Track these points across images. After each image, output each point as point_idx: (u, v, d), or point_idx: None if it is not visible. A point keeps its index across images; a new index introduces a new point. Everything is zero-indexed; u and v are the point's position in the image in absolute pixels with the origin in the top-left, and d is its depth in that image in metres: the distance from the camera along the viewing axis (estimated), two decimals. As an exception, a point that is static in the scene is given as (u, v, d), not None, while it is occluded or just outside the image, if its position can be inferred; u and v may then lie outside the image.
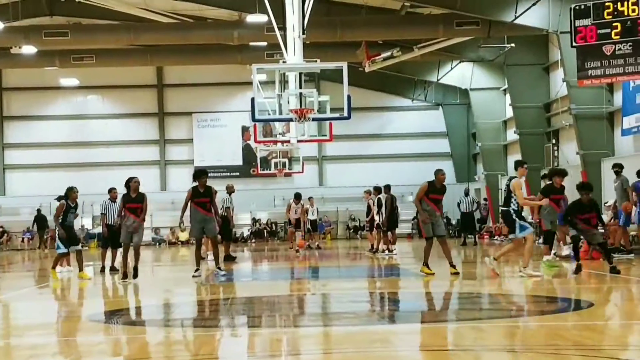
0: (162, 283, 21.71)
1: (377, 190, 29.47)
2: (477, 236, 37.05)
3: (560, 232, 24.67)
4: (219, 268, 21.75)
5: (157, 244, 46.15)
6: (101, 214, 24.61)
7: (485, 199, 44.26)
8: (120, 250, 25.52)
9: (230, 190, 28.84)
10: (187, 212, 21.31)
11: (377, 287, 19.04)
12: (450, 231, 46.39)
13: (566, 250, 24.46)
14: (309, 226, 34.03)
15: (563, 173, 22.17)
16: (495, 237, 39.49)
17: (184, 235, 46.64)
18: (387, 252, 28.62)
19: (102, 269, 24.01)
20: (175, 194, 46.61)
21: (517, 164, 19.19)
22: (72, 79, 47.81)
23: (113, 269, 23.97)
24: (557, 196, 21.47)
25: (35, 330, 13.06)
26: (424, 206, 19.65)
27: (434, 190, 19.94)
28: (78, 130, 49.53)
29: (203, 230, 21.46)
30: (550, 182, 22.21)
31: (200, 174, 21.64)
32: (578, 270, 18.83)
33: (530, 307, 14.77)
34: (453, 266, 19.78)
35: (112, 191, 24.39)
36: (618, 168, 24.48)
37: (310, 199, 34.83)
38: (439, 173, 19.99)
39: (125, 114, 50.02)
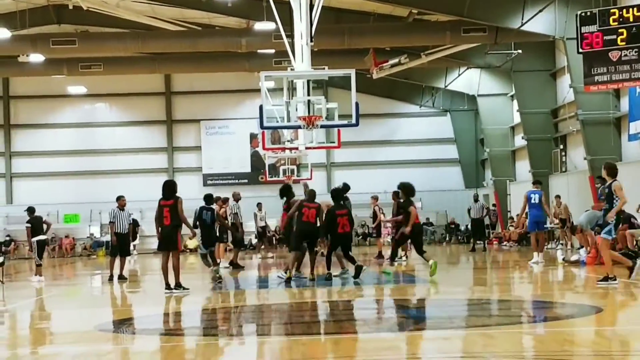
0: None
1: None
2: (486, 242, 37.03)
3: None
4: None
5: (166, 251, 46.12)
6: (110, 222, 24.59)
7: (494, 205, 44.24)
8: (128, 259, 25.70)
9: (236, 197, 29.06)
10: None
11: (385, 294, 19.06)
12: (459, 237, 46.45)
13: (575, 256, 24.52)
14: None
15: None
16: (504, 243, 39.47)
17: (192, 243, 46.67)
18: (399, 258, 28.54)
19: (111, 277, 24.03)
20: (184, 202, 46.62)
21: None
22: (79, 87, 47.88)
23: (121, 277, 24.04)
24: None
25: (43, 340, 13.11)
26: None
27: None
28: (86, 138, 49.59)
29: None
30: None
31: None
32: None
33: (540, 313, 14.79)
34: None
35: (120, 199, 24.43)
36: None
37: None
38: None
39: (133, 121, 50.09)
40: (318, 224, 21.78)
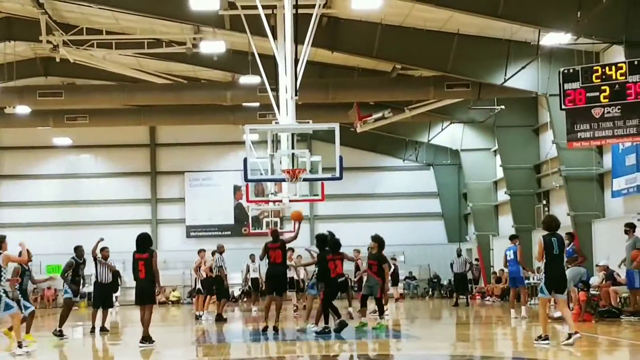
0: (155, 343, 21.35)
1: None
2: (469, 297, 36.87)
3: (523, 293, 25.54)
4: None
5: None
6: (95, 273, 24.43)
7: (476, 259, 44.16)
8: (110, 310, 25.44)
9: (220, 250, 28.97)
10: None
11: (368, 349, 18.88)
12: (442, 291, 46.29)
13: (558, 313, 24.38)
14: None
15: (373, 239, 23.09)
16: (487, 298, 39.31)
17: (174, 295, 46.43)
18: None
19: (93, 329, 23.79)
20: (167, 253, 46.43)
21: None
22: (65, 138, 47.77)
23: (103, 329, 23.79)
24: (371, 261, 22.91)
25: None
26: None
27: None
28: (70, 189, 49.42)
29: None
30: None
31: None
32: None
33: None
34: None
35: (103, 250, 24.25)
36: (629, 227, 24.41)
37: (298, 257, 34.76)
38: None
39: (117, 172, 49.95)
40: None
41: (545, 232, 17.26)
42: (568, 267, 24.38)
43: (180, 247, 48.00)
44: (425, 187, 49.39)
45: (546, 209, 36.92)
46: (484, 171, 43.46)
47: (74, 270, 23.23)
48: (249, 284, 36.34)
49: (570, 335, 16.79)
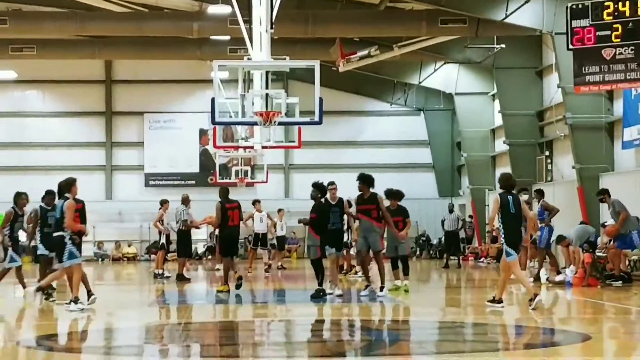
0: (106, 305, 21.30)
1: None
2: (461, 258, 37.01)
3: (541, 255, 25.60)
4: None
5: (100, 259, 45.85)
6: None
7: (470, 216, 44.30)
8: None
9: (186, 201, 28.84)
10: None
11: (345, 313, 18.96)
12: (431, 252, 46.46)
13: (560, 277, 24.55)
14: (274, 242, 34.03)
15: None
16: (482, 259, 39.50)
17: (131, 250, 46.47)
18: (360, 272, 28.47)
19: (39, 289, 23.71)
20: (123, 204, 46.49)
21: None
22: (9, 72, 47.31)
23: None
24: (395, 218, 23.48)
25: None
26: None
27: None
28: (14, 130, 49.13)
29: None
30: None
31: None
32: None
33: (520, 339, 14.74)
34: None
35: (45, 197, 23.98)
36: (603, 194, 24.62)
37: (280, 211, 34.86)
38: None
39: (68, 112, 49.68)
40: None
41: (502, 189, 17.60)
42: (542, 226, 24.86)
43: (137, 197, 47.94)
44: (415, 135, 49.43)
45: (549, 160, 37.04)
46: (480, 118, 43.49)
47: (11, 225, 22.60)
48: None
49: (535, 295, 17.22)
